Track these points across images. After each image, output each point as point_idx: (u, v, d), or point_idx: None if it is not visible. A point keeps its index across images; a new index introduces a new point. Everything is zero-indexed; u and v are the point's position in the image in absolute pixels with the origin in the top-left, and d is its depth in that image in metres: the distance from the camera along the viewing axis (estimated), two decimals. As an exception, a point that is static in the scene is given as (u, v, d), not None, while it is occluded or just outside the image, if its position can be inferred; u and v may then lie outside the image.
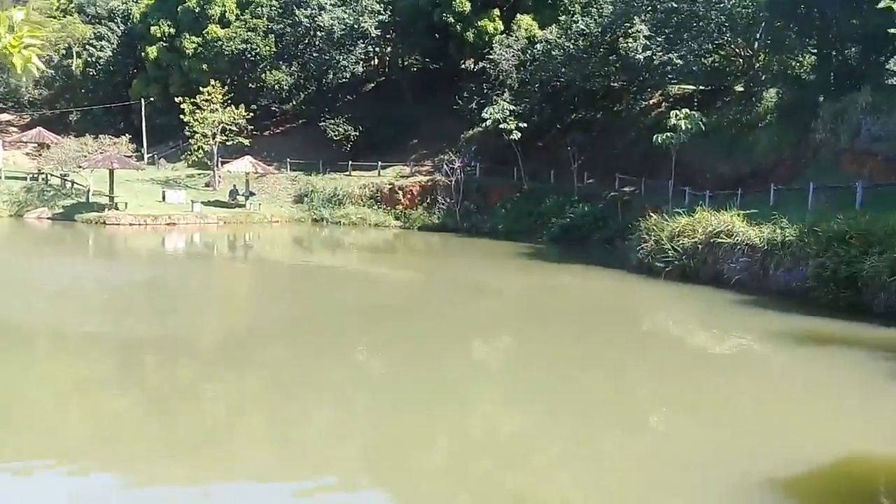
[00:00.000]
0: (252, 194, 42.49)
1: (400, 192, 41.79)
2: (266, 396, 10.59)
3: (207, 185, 45.24)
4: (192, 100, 43.05)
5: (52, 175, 41.80)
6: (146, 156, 51.44)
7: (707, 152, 30.23)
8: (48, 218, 38.65)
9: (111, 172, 38.69)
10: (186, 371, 11.72)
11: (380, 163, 43.98)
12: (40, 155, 44.83)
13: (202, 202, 40.83)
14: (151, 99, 52.57)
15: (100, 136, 42.07)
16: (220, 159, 44.61)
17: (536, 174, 38.42)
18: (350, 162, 44.51)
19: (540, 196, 37.09)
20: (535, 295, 21.06)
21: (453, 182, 39.28)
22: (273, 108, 54.47)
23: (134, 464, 7.90)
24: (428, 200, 40.78)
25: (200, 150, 44.22)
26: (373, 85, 54.30)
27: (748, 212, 21.47)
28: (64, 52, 56.89)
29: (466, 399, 10.70)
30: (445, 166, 39.93)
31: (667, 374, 12.40)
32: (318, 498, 7.37)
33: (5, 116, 59.69)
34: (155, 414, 9.66)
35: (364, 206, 42.12)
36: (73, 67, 57.75)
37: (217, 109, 43.20)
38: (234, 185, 43.27)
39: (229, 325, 15.93)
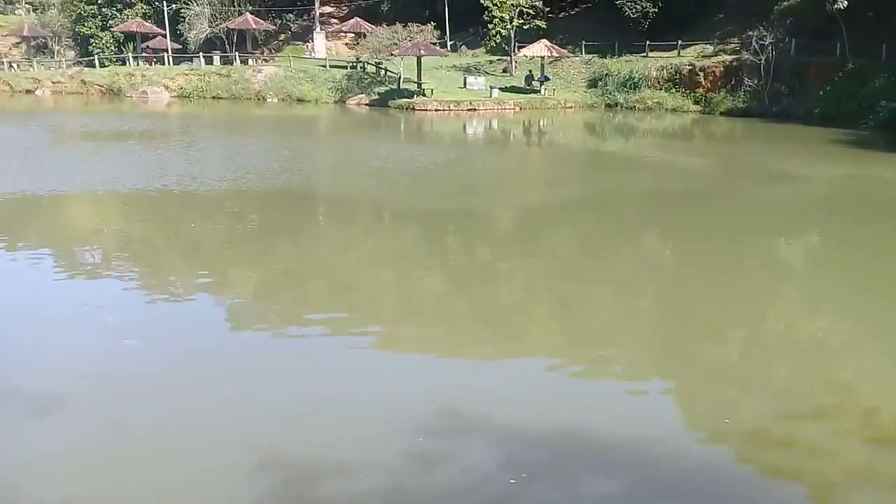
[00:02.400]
0: (546, 79, 42.58)
1: (701, 74, 39.08)
2: (555, 277, 11.00)
3: (504, 70, 46.14)
4: (490, -17, 43.54)
5: (368, 63, 45.40)
6: (449, 43, 53.50)
7: None
8: (366, 104, 42.34)
9: (419, 59, 41.03)
10: (483, 249, 12.53)
11: (679, 42, 41.38)
12: (357, 44, 48.70)
13: (499, 88, 41.87)
14: (454, -15, 54.06)
15: (408, 24, 44.50)
16: (516, 44, 45.09)
17: (864, 50, 33.56)
18: (647, 42, 42.38)
19: (867, 75, 32.58)
20: (852, 186, 18.97)
21: (762, 61, 35.79)
22: (569, -12, 53.22)
23: (435, 335, 8.72)
24: (732, 82, 37.73)
25: (498, 35, 44.95)
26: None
27: None
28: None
29: (762, 294, 10.18)
30: (754, 43, 36.38)
31: None
32: (599, 382, 7.55)
33: (327, 9, 65.15)
34: (454, 289, 10.53)
35: (661, 89, 40.16)
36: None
37: (514, -8, 43.34)
38: (530, 71, 43.62)
39: (523, 206, 16.58)
